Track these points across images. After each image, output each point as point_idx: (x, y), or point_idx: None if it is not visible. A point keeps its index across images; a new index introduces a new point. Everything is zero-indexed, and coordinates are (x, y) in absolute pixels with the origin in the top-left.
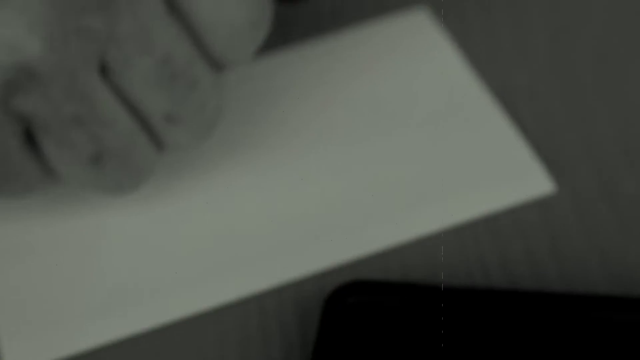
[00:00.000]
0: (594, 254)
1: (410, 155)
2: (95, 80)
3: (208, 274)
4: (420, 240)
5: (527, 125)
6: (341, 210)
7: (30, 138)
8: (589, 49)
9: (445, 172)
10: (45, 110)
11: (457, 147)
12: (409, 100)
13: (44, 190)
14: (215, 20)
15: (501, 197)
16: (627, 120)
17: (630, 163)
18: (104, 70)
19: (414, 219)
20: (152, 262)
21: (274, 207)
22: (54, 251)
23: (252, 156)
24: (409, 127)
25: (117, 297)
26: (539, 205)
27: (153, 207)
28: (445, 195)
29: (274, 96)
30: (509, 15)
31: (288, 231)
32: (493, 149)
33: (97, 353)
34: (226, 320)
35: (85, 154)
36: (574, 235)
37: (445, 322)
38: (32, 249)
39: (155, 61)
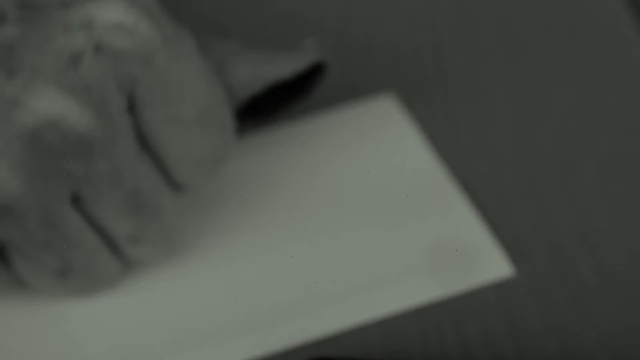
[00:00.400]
0: (551, 336)
1: (373, 238)
2: (67, 210)
3: (171, 350)
4: (381, 321)
5: (488, 210)
6: (304, 289)
7: None
8: (549, 137)
9: (407, 254)
10: (18, 237)
11: (419, 230)
12: (373, 184)
13: (10, 292)
14: (183, 156)
15: (461, 279)
16: (584, 207)
17: (587, 248)
18: (75, 199)
19: (376, 299)
20: (113, 341)
21: (237, 287)
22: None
23: (215, 239)
24: (371, 210)
25: None
26: (497, 288)
27: (112, 291)
28: (407, 277)
29: (238, 181)
30: (473, 103)
31: (252, 309)
32: (454, 232)
33: None
34: None
35: (51, 269)
36: (531, 318)
37: None
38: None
39: (125, 194)
